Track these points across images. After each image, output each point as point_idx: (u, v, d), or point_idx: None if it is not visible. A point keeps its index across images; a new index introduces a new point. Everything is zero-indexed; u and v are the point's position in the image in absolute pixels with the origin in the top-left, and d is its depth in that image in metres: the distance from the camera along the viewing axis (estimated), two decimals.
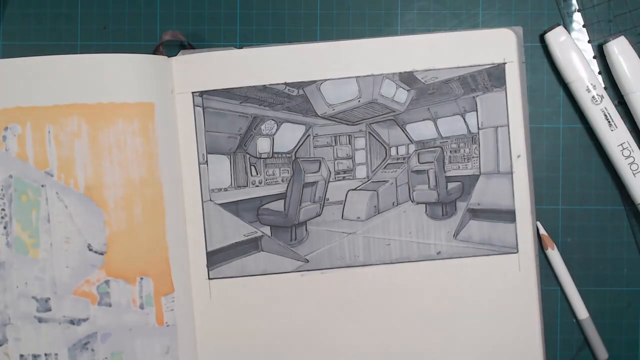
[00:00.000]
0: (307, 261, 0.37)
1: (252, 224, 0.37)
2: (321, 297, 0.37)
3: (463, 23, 0.39)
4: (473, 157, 0.37)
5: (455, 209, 0.37)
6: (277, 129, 0.37)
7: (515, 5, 0.39)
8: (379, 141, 0.37)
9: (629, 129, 0.37)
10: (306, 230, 0.37)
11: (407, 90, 0.37)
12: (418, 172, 0.37)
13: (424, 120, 0.37)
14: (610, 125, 0.37)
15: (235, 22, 0.39)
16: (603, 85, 0.38)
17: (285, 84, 0.37)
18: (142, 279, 0.36)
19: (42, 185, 0.35)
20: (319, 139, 0.37)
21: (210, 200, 0.37)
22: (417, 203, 0.37)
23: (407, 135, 0.37)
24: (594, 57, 0.38)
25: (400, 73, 0.37)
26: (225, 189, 0.37)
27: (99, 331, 0.35)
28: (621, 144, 0.37)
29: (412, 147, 0.37)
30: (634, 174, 0.37)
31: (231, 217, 0.37)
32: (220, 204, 0.37)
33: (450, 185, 0.37)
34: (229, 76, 0.37)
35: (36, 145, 0.35)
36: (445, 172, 0.37)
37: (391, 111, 0.37)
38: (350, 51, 0.37)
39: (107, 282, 0.35)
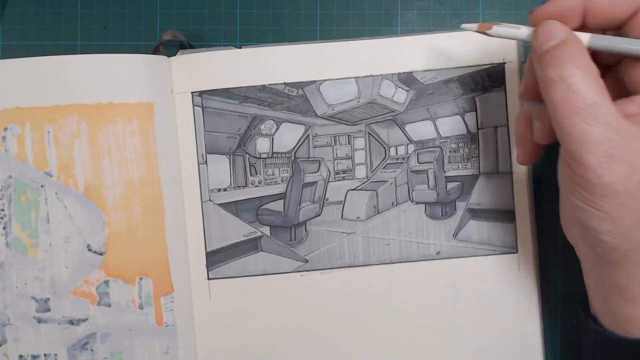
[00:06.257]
0: (307, 261, 0.37)
1: (251, 224, 0.37)
2: (321, 297, 0.37)
3: (463, 23, 0.39)
4: (472, 157, 0.37)
5: (455, 209, 0.37)
6: (276, 129, 0.37)
7: (515, 5, 0.39)
8: (378, 141, 0.37)
9: None
10: (305, 230, 0.37)
11: (406, 91, 0.37)
12: (417, 172, 0.37)
13: (423, 120, 0.37)
14: None
15: (235, 22, 0.39)
16: None
17: (285, 84, 0.37)
18: (141, 279, 0.36)
19: (42, 186, 0.35)
20: (318, 139, 0.37)
21: (210, 200, 0.37)
22: (417, 203, 0.37)
23: (406, 136, 0.37)
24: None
25: (399, 73, 0.37)
26: (225, 189, 0.37)
27: (99, 331, 0.35)
28: None
29: (412, 147, 0.37)
30: None
31: (231, 217, 0.37)
32: (220, 204, 0.37)
33: (450, 185, 0.37)
34: (229, 76, 0.37)
35: (36, 145, 0.35)
36: (444, 172, 0.37)
37: (390, 111, 0.37)
38: (349, 51, 0.37)
39: (106, 282, 0.35)
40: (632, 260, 0.27)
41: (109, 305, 0.35)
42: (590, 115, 0.25)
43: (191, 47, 0.38)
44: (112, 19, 0.39)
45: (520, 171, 0.37)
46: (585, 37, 0.27)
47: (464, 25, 0.31)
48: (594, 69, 0.26)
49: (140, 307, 0.36)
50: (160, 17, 0.39)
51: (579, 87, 0.25)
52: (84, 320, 0.35)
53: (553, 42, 0.27)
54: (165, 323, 0.36)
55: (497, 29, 0.30)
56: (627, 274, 0.27)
